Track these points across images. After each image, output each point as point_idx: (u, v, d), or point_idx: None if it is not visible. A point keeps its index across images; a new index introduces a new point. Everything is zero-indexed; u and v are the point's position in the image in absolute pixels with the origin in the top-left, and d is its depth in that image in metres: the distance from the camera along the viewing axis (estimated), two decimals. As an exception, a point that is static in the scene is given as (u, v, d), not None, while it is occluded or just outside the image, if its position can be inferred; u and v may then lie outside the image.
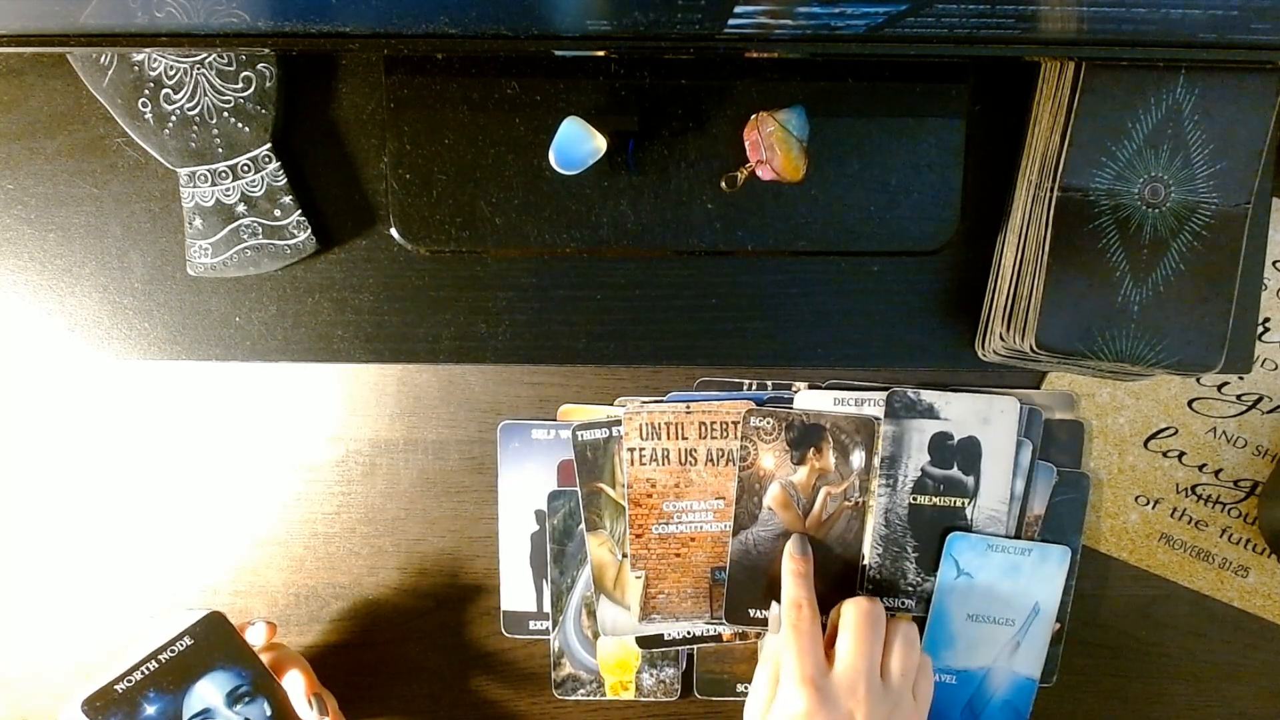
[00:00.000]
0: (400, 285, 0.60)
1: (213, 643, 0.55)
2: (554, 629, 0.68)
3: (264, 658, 0.59)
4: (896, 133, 0.57)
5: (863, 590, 0.66)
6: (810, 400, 0.65)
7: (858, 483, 0.65)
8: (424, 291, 0.60)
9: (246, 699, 0.55)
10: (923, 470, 0.65)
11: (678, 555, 0.66)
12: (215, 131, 0.57)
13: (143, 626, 0.68)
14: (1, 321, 0.60)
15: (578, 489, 0.66)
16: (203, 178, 0.57)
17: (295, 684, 0.58)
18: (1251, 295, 0.59)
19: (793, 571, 0.62)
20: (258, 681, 0.56)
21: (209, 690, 0.55)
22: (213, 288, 0.60)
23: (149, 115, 0.56)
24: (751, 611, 0.66)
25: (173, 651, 0.54)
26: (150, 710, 0.53)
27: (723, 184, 0.56)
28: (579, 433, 0.65)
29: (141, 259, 0.60)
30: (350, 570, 0.68)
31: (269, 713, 0.56)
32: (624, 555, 0.66)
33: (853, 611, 0.60)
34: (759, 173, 0.55)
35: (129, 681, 0.53)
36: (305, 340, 0.60)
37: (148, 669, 0.53)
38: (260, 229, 0.58)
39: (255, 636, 0.59)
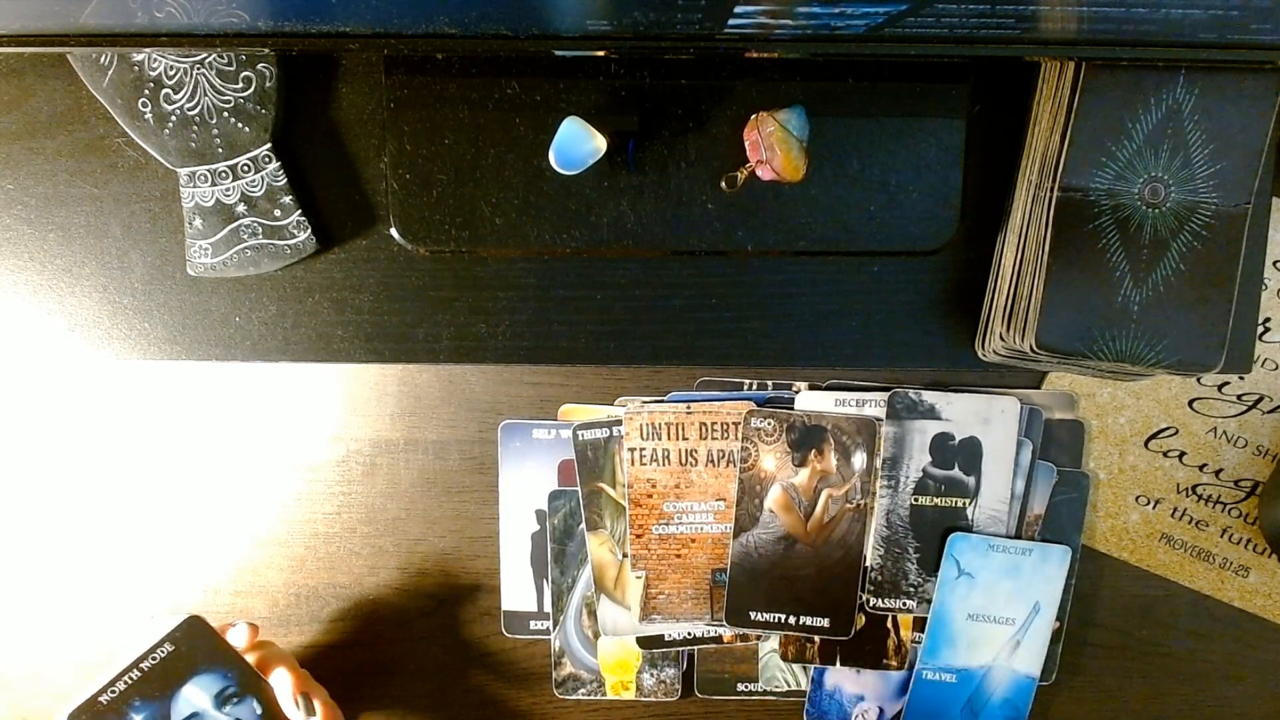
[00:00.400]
0: (400, 285, 0.60)
1: (194, 647, 0.55)
2: (555, 629, 0.68)
3: (251, 658, 0.58)
4: (896, 133, 0.57)
5: (864, 591, 0.66)
6: (811, 401, 0.65)
7: (859, 484, 0.65)
8: (424, 291, 0.60)
9: (235, 699, 0.55)
10: (924, 471, 0.65)
11: (678, 556, 0.66)
12: (215, 131, 0.57)
13: (142, 628, 0.68)
14: (1, 321, 0.60)
15: (578, 489, 0.66)
16: (203, 178, 0.57)
17: (282, 682, 0.58)
18: (1251, 295, 0.59)
19: None
20: (244, 681, 0.56)
21: (196, 694, 0.54)
22: (213, 288, 0.60)
23: (149, 115, 0.56)
24: (752, 614, 0.66)
25: (154, 659, 0.54)
26: (137, 719, 0.53)
27: (723, 184, 0.56)
28: (579, 432, 0.65)
29: (141, 259, 0.60)
30: (351, 570, 0.68)
31: (259, 711, 0.56)
32: (624, 555, 0.66)
33: None
34: (759, 173, 0.55)
35: (113, 692, 0.53)
36: (305, 340, 0.60)
37: (130, 678, 0.53)
38: (260, 229, 0.58)
39: (237, 638, 0.59)
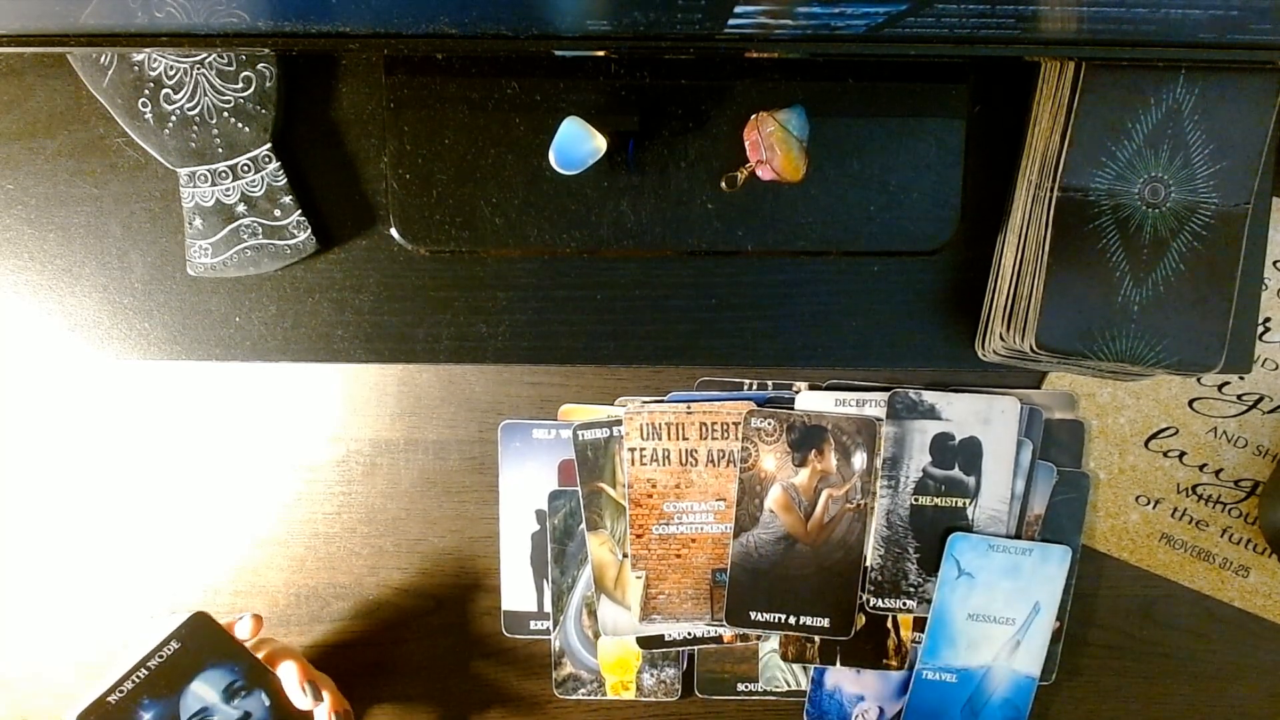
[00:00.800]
0: (400, 285, 0.60)
1: (200, 643, 0.55)
2: (555, 629, 0.68)
3: (258, 654, 0.59)
4: (896, 133, 0.57)
5: (864, 591, 0.66)
6: (811, 401, 0.65)
7: (859, 484, 0.65)
8: (424, 291, 0.60)
9: (243, 693, 0.55)
10: (924, 471, 0.65)
11: (678, 556, 0.66)
12: (215, 131, 0.57)
13: (141, 628, 0.68)
14: (1, 321, 0.60)
15: (578, 489, 0.66)
16: (203, 178, 0.57)
17: (289, 673, 0.58)
18: (1251, 295, 0.59)
19: None
20: (251, 675, 0.56)
21: (204, 690, 0.54)
22: (213, 288, 0.60)
23: (149, 115, 0.56)
24: (752, 614, 0.66)
25: (161, 657, 0.54)
26: (146, 717, 0.53)
27: (723, 184, 0.56)
28: (580, 432, 0.65)
29: (141, 259, 0.60)
30: (351, 570, 0.68)
31: (268, 703, 0.56)
32: (625, 555, 0.66)
33: None
34: (759, 173, 0.55)
35: (120, 692, 0.53)
36: (305, 340, 0.60)
37: (138, 677, 0.53)
38: (260, 229, 0.58)
39: (242, 630, 0.59)
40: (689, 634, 0.67)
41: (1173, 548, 0.68)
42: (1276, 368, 0.66)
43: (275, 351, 0.60)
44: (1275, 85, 0.51)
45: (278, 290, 0.60)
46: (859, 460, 0.65)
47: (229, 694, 0.55)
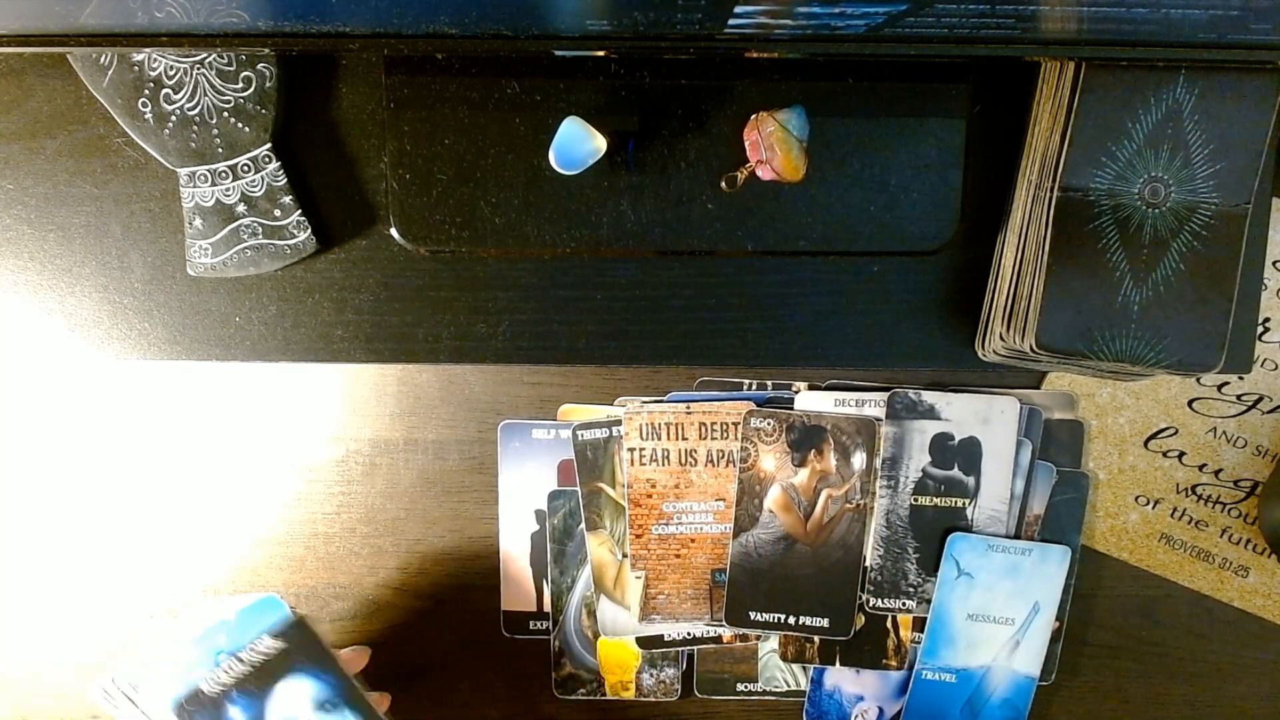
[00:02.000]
0: (400, 285, 0.60)
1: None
2: (554, 629, 0.68)
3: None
4: (896, 133, 0.57)
5: (864, 591, 0.66)
6: (811, 401, 0.65)
7: (859, 484, 0.65)
8: (424, 291, 0.60)
9: (331, 708, 0.54)
10: (924, 471, 0.65)
11: (678, 556, 0.66)
12: (215, 131, 0.57)
13: (143, 628, 0.68)
14: (1, 321, 0.60)
15: (578, 489, 0.66)
16: (203, 178, 0.57)
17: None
18: (1251, 295, 0.59)
19: None
20: (345, 692, 0.55)
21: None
22: (213, 288, 0.60)
23: (149, 115, 0.56)
24: (752, 614, 0.66)
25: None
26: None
27: (723, 184, 0.56)
28: (579, 432, 0.65)
29: (141, 259, 0.60)
30: (350, 570, 0.68)
31: None
32: (624, 555, 0.66)
33: None
34: (759, 173, 0.55)
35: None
36: (305, 340, 0.60)
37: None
38: (260, 229, 0.58)
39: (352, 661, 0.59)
40: (688, 634, 0.67)
41: (1172, 548, 0.68)
42: (1276, 368, 0.66)
43: (275, 351, 0.60)
44: (1275, 85, 0.51)
45: (278, 290, 0.60)
46: (858, 460, 0.65)
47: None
